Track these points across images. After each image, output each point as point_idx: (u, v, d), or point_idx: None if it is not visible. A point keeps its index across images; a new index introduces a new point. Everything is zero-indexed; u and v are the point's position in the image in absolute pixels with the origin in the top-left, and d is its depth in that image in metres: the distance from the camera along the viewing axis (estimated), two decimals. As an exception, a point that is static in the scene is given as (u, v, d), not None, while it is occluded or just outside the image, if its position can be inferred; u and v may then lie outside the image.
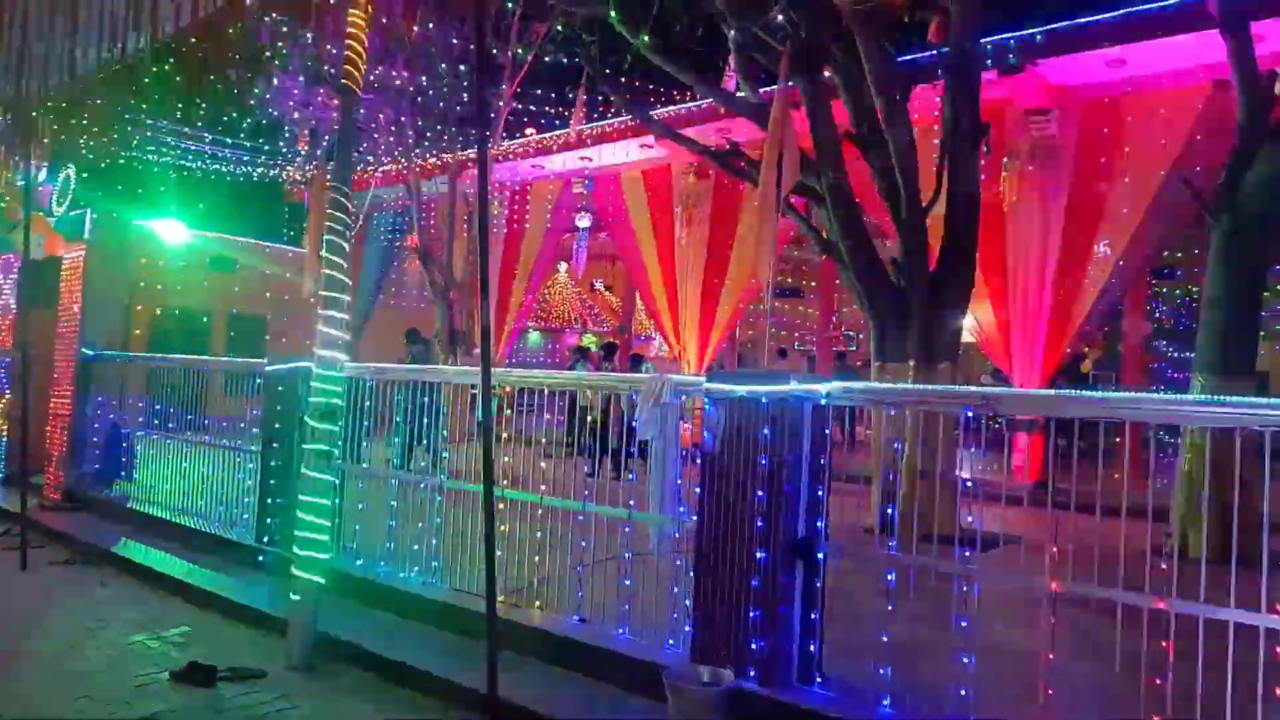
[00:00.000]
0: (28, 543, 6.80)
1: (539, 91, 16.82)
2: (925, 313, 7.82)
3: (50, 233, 9.02)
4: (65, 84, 8.46)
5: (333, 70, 13.15)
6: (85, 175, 10.29)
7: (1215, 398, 3.31)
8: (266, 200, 21.37)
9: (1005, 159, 11.45)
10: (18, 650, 4.86)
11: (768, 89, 11.05)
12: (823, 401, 3.88)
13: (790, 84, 7.38)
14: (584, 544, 4.78)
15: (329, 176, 4.99)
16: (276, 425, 6.38)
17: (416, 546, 5.57)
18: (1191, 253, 15.99)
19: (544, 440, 5.73)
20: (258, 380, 6.89)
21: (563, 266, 26.58)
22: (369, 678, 4.65)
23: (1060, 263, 11.36)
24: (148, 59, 8.18)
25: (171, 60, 9.40)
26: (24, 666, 4.61)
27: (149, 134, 13.30)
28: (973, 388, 3.69)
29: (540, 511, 4.98)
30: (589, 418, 10.10)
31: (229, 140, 17.09)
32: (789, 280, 23.81)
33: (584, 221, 17.61)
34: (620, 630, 4.48)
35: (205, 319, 16.75)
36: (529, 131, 17.51)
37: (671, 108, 14.71)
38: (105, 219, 8.92)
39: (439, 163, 17.63)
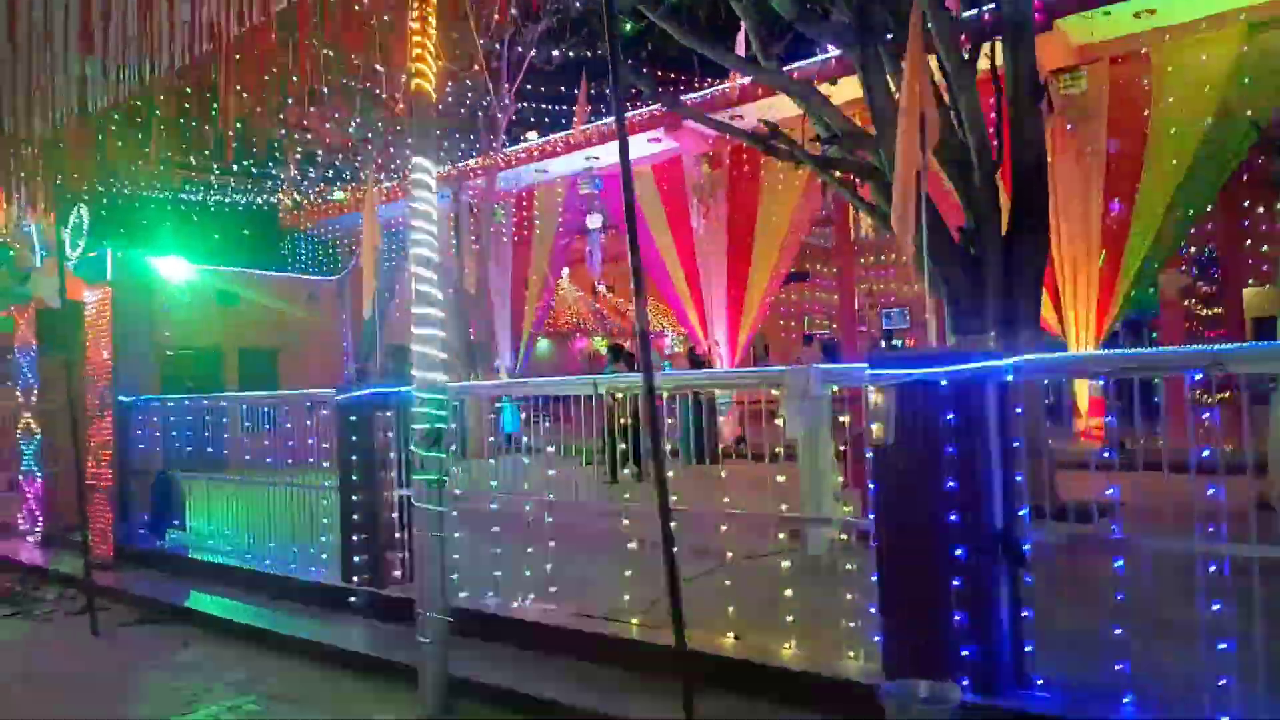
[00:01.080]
0: (94, 605, 6.38)
1: (540, 90, 16.44)
2: (1003, 281, 7.53)
3: (69, 277, 8.57)
4: (70, 120, 8.08)
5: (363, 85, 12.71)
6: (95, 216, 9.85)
7: None
8: (262, 229, 20.91)
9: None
10: (122, 726, 4.47)
11: (791, 66, 10.78)
12: (1009, 378, 3.55)
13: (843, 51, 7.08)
14: (728, 553, 4.44)
15: (411, 180, 4.61)
16: (354, 456, 6.00)
17: (529, 571, 5.22)
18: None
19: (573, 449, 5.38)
20: (321, 411, 6.53)
21: (564, 272, 26.22)
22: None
23: (1105, 220, 11.13)
24: (155, 89, 7.79)
25: (186, 89, 9.00)
26: (137, 744, 4.23)
27: (153, 168, 12.85)
28: (1199, 347, 3.37)
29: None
30: (620, 421, 9.69)
31: (228, 169, 16.63)
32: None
33: (595, 222, 17.27)
34: (786, 645, 4.14)
35: (217, 356, 16.31)
36: (530, 135, 17.15)
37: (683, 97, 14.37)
38: (127, 259, 8.50)
39: (439, 174, 17.27)
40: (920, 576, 3.59)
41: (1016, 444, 3.55)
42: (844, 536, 4.00)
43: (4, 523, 10.03)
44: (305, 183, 18.94)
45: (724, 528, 4.46)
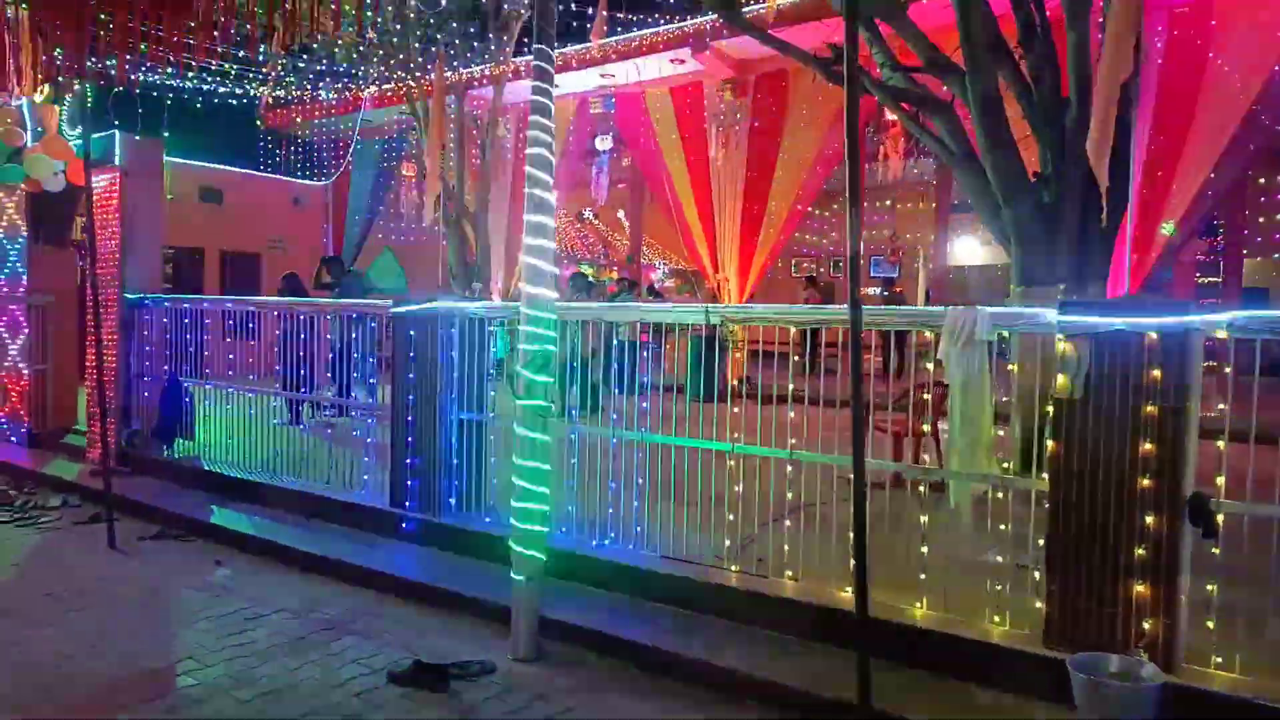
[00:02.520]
0: (112, 515, 5.90)
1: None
2: (1079, 231, 7.24)
3: (72, 157, 7.82)
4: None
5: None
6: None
7: None
8: (243, 126, 19.70)
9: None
10: (177, 652, 4.07)
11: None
12: (1222, 334, 3.24)
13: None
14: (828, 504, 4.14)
15: (534, 62, 4.09)
16: (412, 375, 5.54)
17: (612, 510, 4.88)
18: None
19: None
20: (370, 325, 6.06)
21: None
22: (617, 667, 3.99)
23: (1145, 177, 10.89)
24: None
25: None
26: (204, 675, 3.83)
27: (135, 44, 11.77)
28: None
29: (789, 467, 4.31)
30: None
31: (215, 56, 15.51)
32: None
33: (605, 144, 16.58)
34: (915, 603, 3.88)
35: (198, 256, 15.41)
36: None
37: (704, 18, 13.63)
38: (141, 141, 7.76)
39: (443, 80, 16.31)
40: (1101, 542, 3.32)
41: (1222, 407, 3.26)
42: (999, 494, 3.72)
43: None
44: (295, 79, 17.83)
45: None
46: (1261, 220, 17.97)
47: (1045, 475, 3.48)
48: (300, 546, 5.48)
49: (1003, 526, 3.69)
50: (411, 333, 5.53)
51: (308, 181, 17.95)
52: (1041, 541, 3.50)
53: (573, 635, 4.23)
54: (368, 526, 5.75)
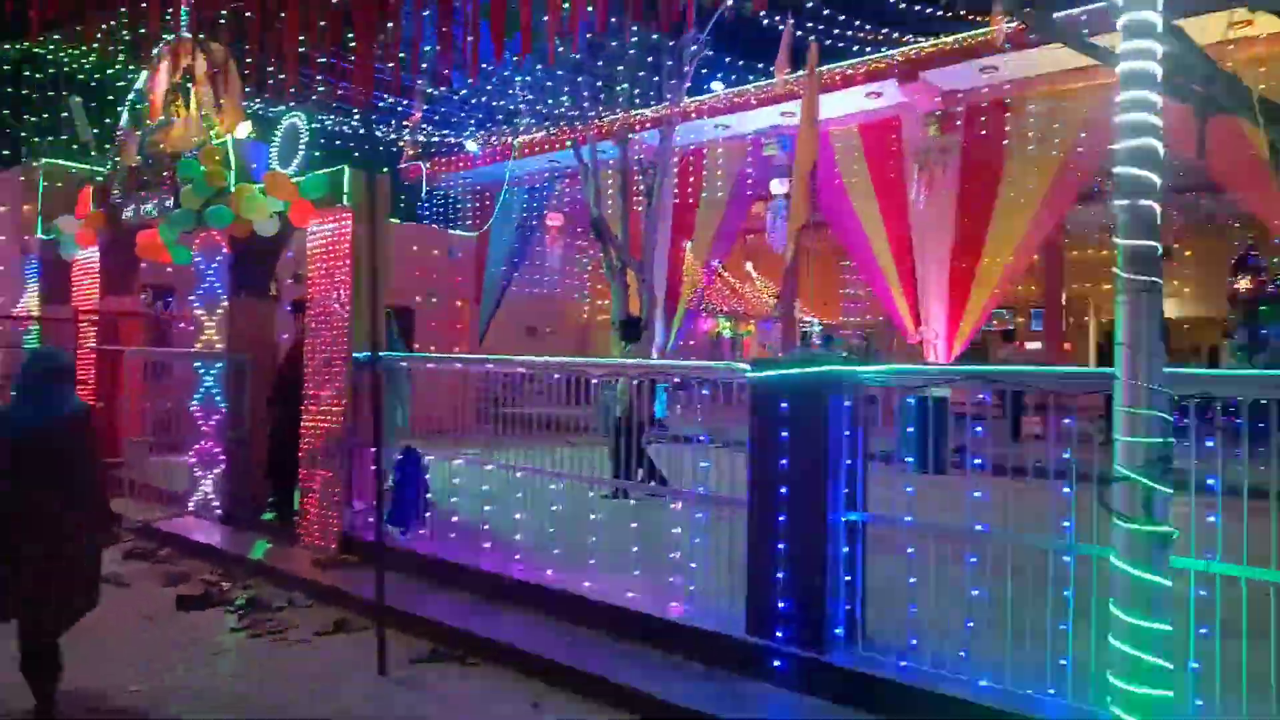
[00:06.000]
0: (384, 636, 4.65)
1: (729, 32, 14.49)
2: None
3: (296, 196, 6.88)
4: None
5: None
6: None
7: None
8: (384, 172, 19.27)
9: None
10: None
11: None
12: None
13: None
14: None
15: (1123, 25, 2.77)
16: (783, 461, 4.20)
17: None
18: None
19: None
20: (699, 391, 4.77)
21: (687, 245, 24.36)
22: None
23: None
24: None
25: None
26: None
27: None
28: None
29: None
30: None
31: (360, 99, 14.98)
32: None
33: (781, 188, 15.38)
34: None
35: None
36: (715, 86, 15.26)
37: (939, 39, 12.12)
38: (370, 177, 6.79)
39: (603, 125, 15.43)
40: None
41: None
42: None
43: (167, 493, 8.46)
44: (435, 128, 17.32)
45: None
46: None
47: None
48: (641, 686, 4.13)
49: None
50: (784, 405, 4.21)
51: (461, 233, 17.21)
52: None
53: None
54: (711, 660, 4.37)
